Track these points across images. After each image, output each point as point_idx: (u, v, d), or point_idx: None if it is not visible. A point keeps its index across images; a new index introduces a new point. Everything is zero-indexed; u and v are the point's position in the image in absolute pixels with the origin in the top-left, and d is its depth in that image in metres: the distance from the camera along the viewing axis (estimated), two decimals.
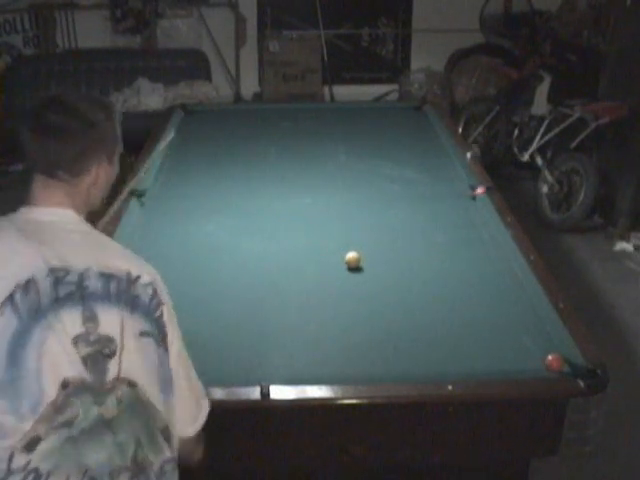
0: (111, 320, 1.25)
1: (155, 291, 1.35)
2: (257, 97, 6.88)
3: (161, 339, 1.33)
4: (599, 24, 5.80)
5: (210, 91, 6.15)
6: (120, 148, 1.48)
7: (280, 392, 1.88)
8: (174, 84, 6.12)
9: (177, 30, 6.67)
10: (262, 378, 1.90)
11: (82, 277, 1.25)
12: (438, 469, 2.10)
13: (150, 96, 6.03)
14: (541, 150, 5.14)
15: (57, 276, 1.23)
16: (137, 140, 3.89)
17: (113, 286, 1.28)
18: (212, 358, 2.06)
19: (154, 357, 1.30)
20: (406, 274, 2.55)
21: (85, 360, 1.20)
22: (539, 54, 5.83)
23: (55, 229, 1.34)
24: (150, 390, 1.28)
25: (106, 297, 1.26)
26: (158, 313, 1.34)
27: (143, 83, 6.09)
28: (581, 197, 4.70)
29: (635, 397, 3.22)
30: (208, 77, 6.36)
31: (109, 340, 1.23)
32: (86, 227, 1.41)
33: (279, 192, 3.20)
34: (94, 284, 1.26)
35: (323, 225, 2.92)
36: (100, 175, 1.42)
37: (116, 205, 2.51)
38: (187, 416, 1.45)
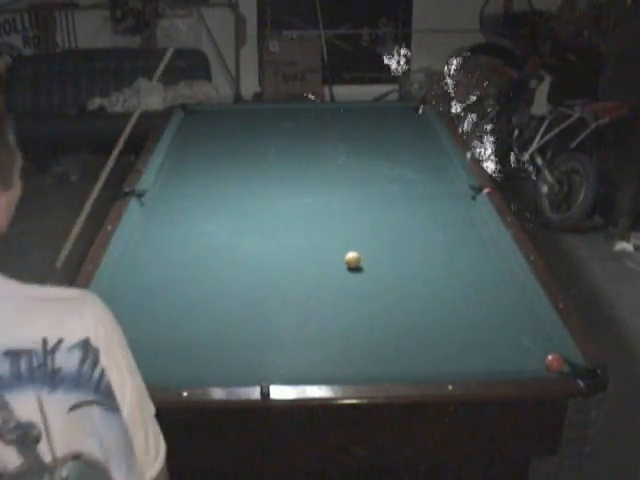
0: (26, 404, 1.07)
1: (87, 349, 1.11)
2: (257, 97, 6.88)
3: (108, 401, 1.13)
4: (599, 24, 5.80)
5: (210, 91, 6.15)
6: (19, 164, 1.17)
7: (280, 392, 1.88)
8: (174, 84, 6.12)
9: (177, 30, 6.68)
10: (262, 378, 1.89)
11: None
12: (438, 469, 2.10)
13: (150, 96, 6.03)
14: (541, 150, 5.14)
15: None
16: (137, 140, 3.91)
17: (23, 365, 1.07)
18: (212, 358, 2.07)
19: (103, 427, 1.11)
20: (406, 274, 2.55)
21: (13, 445, 1.06)
22: (539, 54, 5.82)
23: None
24: (105, 457, 1.13)
25: (15, 380, 1.06)
26: (97, 374, 1.11)
27: (143, 83, 6.09)
28: (581, 197, 4.71)
29: (635, 397, 3.22)
30: (208, 77, 6.36)
31: (30, 426, 1.07)
32: None
33: (279, 192, 3.20)
34: (0, 368, 1.06)
35: (323, 225, 2.92)
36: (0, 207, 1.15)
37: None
38: (146, 458, 1.25)
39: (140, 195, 3.05)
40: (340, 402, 1.91)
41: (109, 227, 2.73)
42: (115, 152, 3.00)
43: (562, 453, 1.95)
